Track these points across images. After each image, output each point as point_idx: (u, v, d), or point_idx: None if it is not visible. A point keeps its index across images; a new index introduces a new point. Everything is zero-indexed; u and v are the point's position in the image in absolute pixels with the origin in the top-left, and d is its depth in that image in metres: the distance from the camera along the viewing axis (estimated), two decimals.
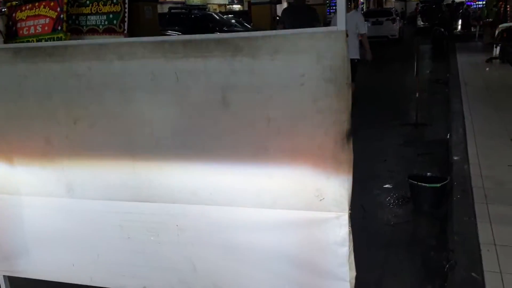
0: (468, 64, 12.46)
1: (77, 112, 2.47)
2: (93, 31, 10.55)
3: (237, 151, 2.28)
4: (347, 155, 2.13)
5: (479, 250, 3.37)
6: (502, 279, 3.02)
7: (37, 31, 10.41)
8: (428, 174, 4.79)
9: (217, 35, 2.23)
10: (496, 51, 13.16)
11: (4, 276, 2.88)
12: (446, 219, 4.18)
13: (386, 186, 5.26)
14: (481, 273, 3.11)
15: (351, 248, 2.23)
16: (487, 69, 11.96)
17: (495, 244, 3.43)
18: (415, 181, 4.56)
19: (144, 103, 2.35)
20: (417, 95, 7.68)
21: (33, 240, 2.73)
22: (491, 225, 3.71)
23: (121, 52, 2.32)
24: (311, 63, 2.08)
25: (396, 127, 7.63)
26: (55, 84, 2.45)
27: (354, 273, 2.25)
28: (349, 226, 2.20)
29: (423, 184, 4.45)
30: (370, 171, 5.65)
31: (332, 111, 2.10)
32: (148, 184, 2.44)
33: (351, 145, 2.13)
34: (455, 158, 5.38)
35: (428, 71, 13.06)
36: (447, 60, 13.88)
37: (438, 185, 4.41)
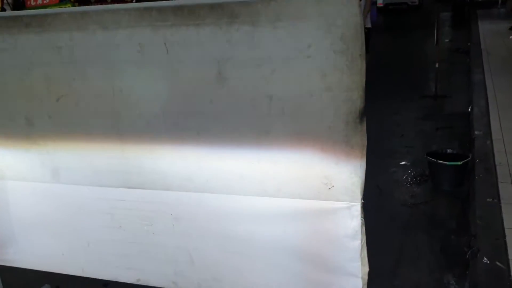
0: (490, 32, 11.88)
1: (59, 88, 2.22)
2: (102, 0, 10.22)
3: (236, 133, 2.02)
4: (360, 138, 1.86)
5: (504, 235, 3.10)
6: None
7: (44, 1, 10.14)
8: (448, 150, 4.49)
9: None
10: None
11: None
12: (467, 199, 3.90)
13: (403, 163, 4.97)
14: (506, 261, 2.85)
15: (364, 241, 1.98)
16: (511, 37, 11.39)
17: None
18: (434, 158, 4.27)
19: (131, 79, 2.10)
20: (436, 65, 7.28)
21: (20, 227, 2.54)
22: None
23: (104, 21, 2.05)
24: (319, 31, 1.79)
25: (414, 100, 7.28)
26: (35, 57, 2.20)
27: (366, 269, 2.01)
28: (361, 217, 1.94)
29: (443, 161, 4.16)
30: (386, 147, 5.37)
31: (343, 87, 1.82)
32: (139, 169, 2.20)
33: (364, 127, 1.86)
34: (477, 133, 5.06)
35: (448, 40, 12.51)
36: (468, 28, 13.28)
37: (459, 162, 4.12)
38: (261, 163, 2.02)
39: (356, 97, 1.82)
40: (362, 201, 1.93)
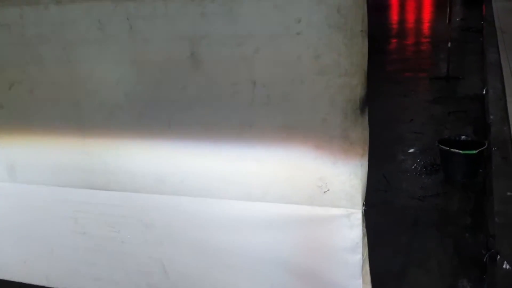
0: (505, 10, 11.36)
1: (11, 74, 1.90)
2: None
3: (214, 126, 1.70)
4: (361, 133, 1.53)
5: None
6: None
7: None
8: (462, 137, 4.13)
9: None
10: None
11: None
12: (483, 192, 3.56)
13: (412, 150, 4.62)
14: None
15: (366, 255, 1.66)
16: None
17: None
18: (446, 146, 3.92)
19: (91, 62, 1.77)
20: (449, 45, 6.86)
21: None
22: None
23: None
24: (311, 2, 1.45)
25: (424, 81, 6.88)
26: None
27: None
28: (363, 227, 1.62)
29: (456, 150, 3.80)
30: (394, 133, 5.00)
31: (341, 71, 1.49)
32: (103, 167, 1.89)
33: (366, 119, 1.53)
34: (493, 118, 4.68)
35: (459, 18, 12.01)
36: (481, 5, 12.74)
37: (475, 151, 3.76)
38: (245, 161, 1.69)
39: (356, 83, 1.48)
40: (364, 207, 1.61)
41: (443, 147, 3.91)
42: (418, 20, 12.08)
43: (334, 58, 1.48)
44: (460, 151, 3.77)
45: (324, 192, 1.61)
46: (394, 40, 9.37)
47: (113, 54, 1.73)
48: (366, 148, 1.55)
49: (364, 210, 1.60)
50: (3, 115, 1.97)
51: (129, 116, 1.78)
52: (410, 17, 12.35)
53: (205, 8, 1.56)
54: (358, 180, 1.57)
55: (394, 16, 12.31)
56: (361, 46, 1.46)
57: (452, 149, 3.83)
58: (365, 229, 1.63)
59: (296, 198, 1.66)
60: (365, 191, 1.59)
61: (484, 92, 5.71)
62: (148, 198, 1.86)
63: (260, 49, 1.55)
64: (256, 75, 1.58)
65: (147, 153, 1.80)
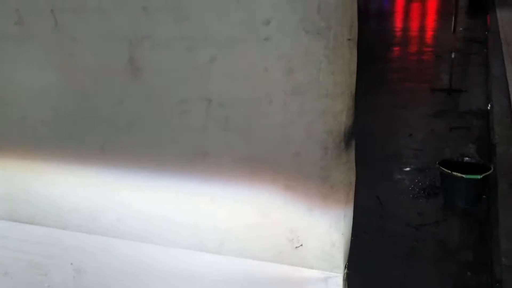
0: (510, 21, 11.02)
1: None
2: None
3: (158, 152, 1.32)
4: (345, 173, 1.16)
5: None
6: None
7: None
8: (465, 159, 3.77)
9: None
10: None
11: None
12: (487, 223, 3.19)
13: (410, 169, 4.25)
14: None
15: None
16: None
17: None
18: (447, 168, 3.56)
19: (8, 65, 1.40)
20: (452, 56, 6.49)
21: None
22: None
23: None
24: (283, 0, 1.08)
25: (425, 92, 6.53)
26: None
27: None
28: None
29: (458, 174, 3.44)
30: (390, 148, 4.64)
31: (321, 91, 1.11)
32: (25, 196, 1.51)
33: (352, 156, 1.15)
34: (498, 137, 4.32)
35: (462, 28, 11.66)
36: (485, 15, 12.40)
37: (479, 176, 3.40)
38: (196, 200, 1.32)
39: (340, 109, 1.11)
40: (346, 270, 1.23)
41: (444, 169, 3.55)
42: (422, 28, 11.75)
43: (312, 74, 1.11)
44: (463, 175, 3.40)
45: (296, 247, 1.24)
46: (395, 48, 9.02)
47: (35, 56, 1.35)
48: (352, 194, 1.18)
49: (347, 274, 1.23)
50: None
51: (56, 135, 1.40)
52: (414, 25, 12.02)
53: (147, 1, 1.19)
54: (339, 235, 1.19)
55: (398, 23, 11.99)
56: (348, 59, 1.09)
57: (454, 173, 3.47)
58: None
59: (259, 253, 1.28)
60: (348, 249, 1.22)
61: (488, 108, 5.36)
62: (77, 237, 1.48)
63: (217, 58, 1.18)
64: (212, 90, 1.21)
65: (76, 182, 1.42)
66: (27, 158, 1.47)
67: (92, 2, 1.24)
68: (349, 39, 1.08)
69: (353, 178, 1.17)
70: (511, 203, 3.10)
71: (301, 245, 1.23)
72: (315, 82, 1.11)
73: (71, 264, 1.53)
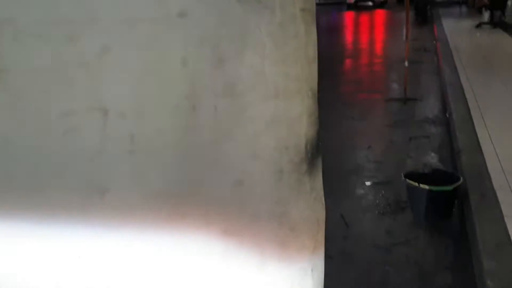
0: (456, 31, 11.19)
1: None
2: None
3: (38, 194, 0.91)
4: (310, 206, 0.79)
5: None
6: None
7: None
8: (426, 170, 3.52)
9: None
10: (486, 16, 11.93)
11: None
12: (464, 238, 2.91)
13: (372, 183, 3.96)
14: None
15: None
16: (478, 34, 10.70)
17: None
18: (413, 180, 3.28)
19: None
20: (406, 64, 6.35)
21: None
22: None
23: None
24: None
25: (380, 103, 6.35)
26: None
27: None
28: None
29: (426, 186, 3.16)
30: (350, 162, 4.36)
31: (267, 90, 0.75)
32: None
33: (319, 179, 0.79)
34: (461, 145, 4.11)
35: (412, 39, 11.76)
36: (432, 27, 12.60)
37: (450, 187, 3.13)
38: (90, 255, 0.91)
39: (297, 113, 0.75)
40: None
41: (411, 182, 3.27)
42: (371, 40, 11.79)
43: (253, 64, 0.74)
44: (432, 188, 3.13)
45: None
46: (347, 61, 8.91)
47: None
48: (321, 236, 0.81)
49: None
50: None
51: None
52: (364, 37, 12.06)
53: None
54: None
55: (348, 37, 12.02)
56: (304, 40, 0.73)
57: (421, 185, 3.19)
58: None
59: None
60: None
61: (447, 115, 5.19)
62: None
63: (111, 48, 0.79)
64: (107, 96, 0.82)
65: None
66: None
67: None
68: (303, 10, 0.72)
69: (321, 213, 0.80)
70: (487, 216, 2.83)
71: None
72: (258, 75, 0.74)
73: None
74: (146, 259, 0.90)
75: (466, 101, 5.26)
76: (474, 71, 6.76)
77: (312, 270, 0.82)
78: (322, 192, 0.81)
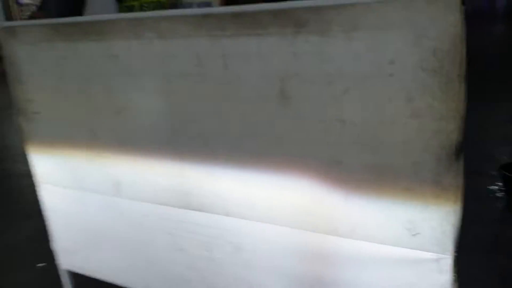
0: None
1: (119, 101, 2.07)
2: None
3: (301, 161, 1.72)
4: (455, 179, 1.47)
5: None
6: None
7: None
8: None
9: (274, 4, 1.63)
10: None
11: (67, 271, 2.70)
12: None
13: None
14: None
15: None
16: None
17: None
18: None
19: (188, 94, 1.88)
20: None
21: (87, 236, 2.49)
22: None
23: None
24: (405, 44, 1.42)
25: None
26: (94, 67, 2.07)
27: None
28: (453, 273, 1.56)
29: None
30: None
31: (435, 115, 1.44)
32: (198, 190, 2.00)
33: (461, 165, 1.46)
34: None
35: None
36: None
37: None
38: (332, 198, 1.70)
39: (452, 129, 1.43)
40: (456, 253, 1.55)
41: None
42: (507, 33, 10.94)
43: (428, 102, 1.43)
44: None
45: (413, 235, 1.57)
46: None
47: (209, 89, 1.81)
48: (460, 195, 1.49)
49: (455, 256, 1.54)
50: (112, 138, 2.15)
51: (223, 145, 1.86)
52: (496, 28, 11.21)
53: (297, 48, 1.58)
54: (450, 227, 1.51)
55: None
56: (458, 90, 1.39)
57: None
58: (456, 275, 1.57)
59: (383, 238, 1.64)
60: (456, 237, 1.53)
61: None
62: (238, 222, 1.94)
63: (350, 89, 1.54)
64: (346, 114, 1.58)
65: (239, 182, 1.87)
66: (200, 161, 1.95)
67: (253, 48, 1.66)
68: (458, 75, 1.38)
69: (460, 182, 1.48)
70: None
71: (418, 233, 1.56)
72: (431, 108, 1.43)
73: (231, 243, 1.99)
74: (358, 203, 1.66)
75: None
76: None
77: (453, 212, 1.49)
78: (462, 171, 1.46)
